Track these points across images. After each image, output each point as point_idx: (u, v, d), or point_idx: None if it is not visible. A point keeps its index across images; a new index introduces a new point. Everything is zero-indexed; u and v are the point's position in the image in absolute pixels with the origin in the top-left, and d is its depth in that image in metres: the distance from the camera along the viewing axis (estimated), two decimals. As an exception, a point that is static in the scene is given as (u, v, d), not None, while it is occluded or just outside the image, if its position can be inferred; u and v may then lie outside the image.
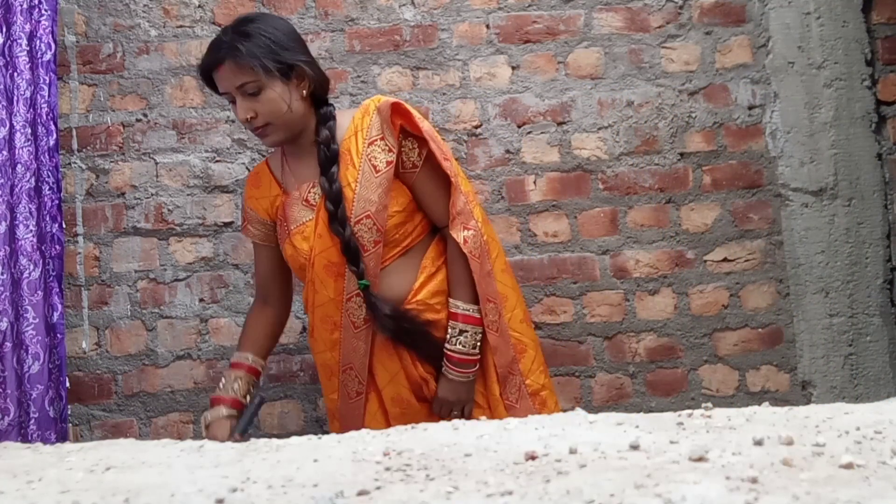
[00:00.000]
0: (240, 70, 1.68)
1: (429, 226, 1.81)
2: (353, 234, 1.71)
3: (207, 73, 1.74)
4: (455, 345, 1.75)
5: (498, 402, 1.78)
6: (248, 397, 1.84)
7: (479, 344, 1.76)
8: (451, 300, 1.77)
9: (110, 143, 2.31)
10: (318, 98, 1.80)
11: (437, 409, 1.79)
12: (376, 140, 1.73)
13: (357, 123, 1.76)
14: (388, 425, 1.71)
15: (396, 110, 1.73)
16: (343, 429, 1.81)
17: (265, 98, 1.70)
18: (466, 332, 1.75)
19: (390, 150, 1.73)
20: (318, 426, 2.25)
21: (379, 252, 1.73)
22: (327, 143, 1.75)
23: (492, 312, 1.76)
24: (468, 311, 1.75)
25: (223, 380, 1.85)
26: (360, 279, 1.73)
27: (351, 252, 1.72)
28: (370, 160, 1.73)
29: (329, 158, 1.75)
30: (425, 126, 1.74)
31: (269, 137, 1.75)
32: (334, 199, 1.72)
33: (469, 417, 1.76)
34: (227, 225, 2.30)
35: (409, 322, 1.75)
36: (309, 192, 1.79)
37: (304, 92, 1.75)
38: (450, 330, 1.75)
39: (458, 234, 1.73)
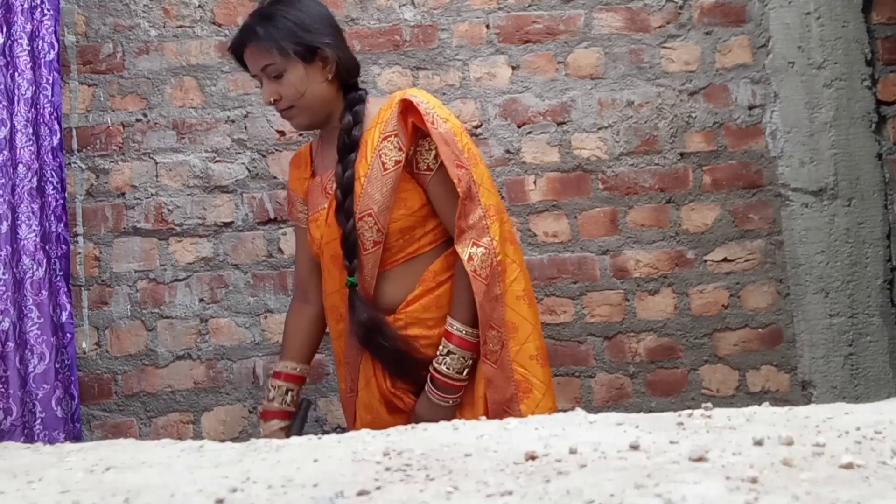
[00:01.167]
0: (260, 53, 1.68)
1: (442, 236, 1.69)
2: (354, 229, 1.64)
3: (239, 55, 1.74)
4: (440, 365, 1.63)
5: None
6: (295, 405, 1.83)
7: (467, 370, 1.64)
8: (449, 318, 1.65)
9: (110, 143, 2.31)
10: (347, 82, 1.74)
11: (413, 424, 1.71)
12: (390, 136, 1.65)
13: (381, 115, 1.69)
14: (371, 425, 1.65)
15: (407, 107, 1.64)
16: (347, 419, 1.84)
17: (287, 81, 1.67)
18: (454, 354, 1.63)
19: (400, 149, 1.64)
20: (319, 426, 2.25)
21: (378, 253, 1.65)
22: (348, 130, 1.69)
23: (492, 341, 1.61)
24: (461, 332, 1.63)
25: (269, 391, 1.83)
26: (350, 275, 1.67)
27: (348, 245, 1.66)
28: (380, 156, 1.65)
29: (347, 146, 1.69)
30: (442, 127, 1.62)
31: (294, 120, 1.74)
32: (345, 189, 1.66)
33: None
34: (227, 225, 2.30)
35: (384, 336, 1.65)
36: (330, 179, 1.74)
37: (330, 76, 1.70)
38: (442, 348, 1.64)
39: (465, 251, 1.60)
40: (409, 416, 1.68)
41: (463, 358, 1.63)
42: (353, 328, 1.67)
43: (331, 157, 1.75)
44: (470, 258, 1.59)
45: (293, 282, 1.95)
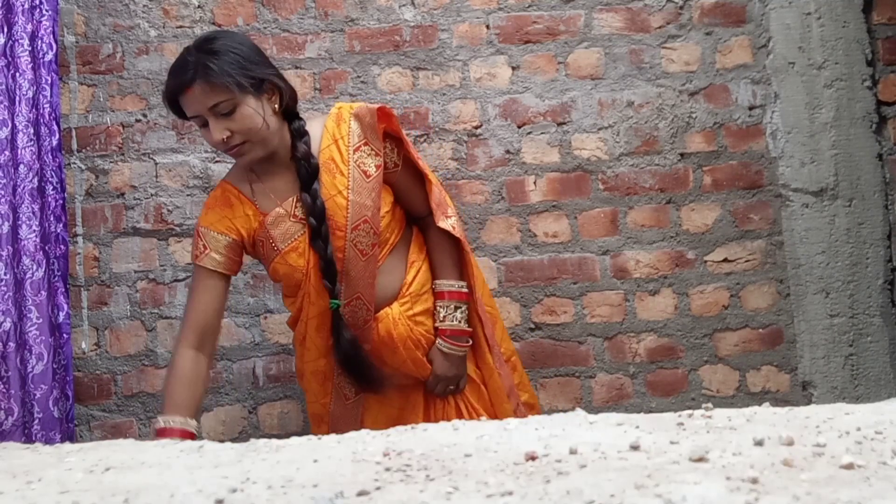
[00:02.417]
0: (212, 90, 1.63)
1: (404, 220, 1.87)
2: (333, 254, 1.73)
3: (174, 97, 1.67)
4: (452, 321, 1.82)
5: (492, 371, 1.86)
6: None
7: (467, 318, 1.85)
8: (439, 281, 1.85)
9: (110, 143, 2.31)
10: (289, 111, 1.77)
11: (432, 387, 1.84)
12: (361, 146, 1.76)
13: (333, 132, 1.76)
14: (388, 420, 1.80)
15: (382, 115, 1.77)
16: (333, 431, 1.85)
17: (240, 115, 1.65)
18: (460, 307, 1.84)
19: (377, 155, 1.76)
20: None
21: (376, 254, 1.77)
22: (307, 158, 1.73)
23: (476, 289, 1.87)
24: (461, 288, 1.84)
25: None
26: (333, 298, 1.74)
27: (331, 270, 1.73)
28: (359, 166, 1.75)
29: (311, 174, 1.73)
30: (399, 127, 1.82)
31: (246, 156, 1.70)
32: (318, 216, 1.72)
33: (462, 391, 1.86)
34: (227, 225, 2.30)
35: (362, 355, 1.78)
36: (296, 206, 1.75)
37: (276, 106, 1.71)
38: (442, 309, 1.83)
39: (445, 223, 1.81)
40: (420, 386, 1.86)
41: (461, 307, 1.84)
42: (336, 347, 1.77)
43: (283, 186, 1.76)
44: (454, 227, 1.83)
45: (183, 328, 1.74)
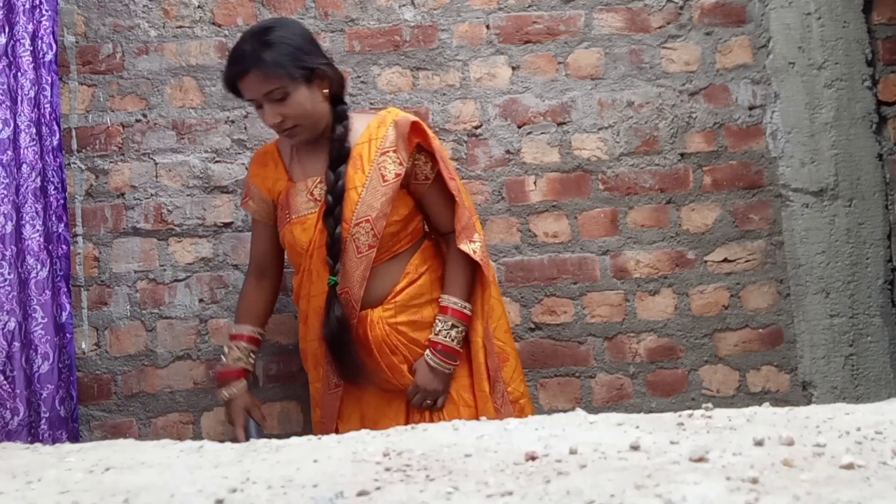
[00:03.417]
0: (266, 79, 1.76)
1: (419, 234, 1.93)
2: (342, 233, 1.81)
3: (232, 82, 1.82)
4: (445, 337, 1.86)
5: (487, 400, 1.88)
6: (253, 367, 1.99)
7: (461, 339, 1.88)
8: (445, 296, 1.88)
9: (110, 143, 2.31)
10: (336, 97, 1.89)
11: (411, 396, 1.88)
12: (389, 151, 1.84)
13: (372, 132, 1.87)
14: (361, 419, 1.89)
15: (415, 129, 1.85)
16: (323, 417, 1.94)
17: (292, 102, 1.78)
18: (458, 327, 1.86)
19: (401, 164, 1.84)
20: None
21: (371, 256, 1.83)
22: (341, 140, 1.86)
23: (486, 318, 1.91)
24: (457, 305, 1.87)
25: (232, 351, 1.97)
26: (332, 274, 1.82)
27: (335, 248, 1.82)
28: (380, 169, 1.84)
29: (341, 156, 1.85)
30: (436, 144, 1.87)
31: (296, 137, 1.84)
32: (336, 195, 1.82)
33: (440, 409, 1.88)
34: (226, 225, 2.30)
35: (349, 337, 1.83)
36: (315, 186, 1.88)
37: (325, 92, 1.84)
38: (440, 323, 1.87)
39: (467, 247, 1.85)
40: (403, 394, 1.88)
41: (459, 328, 1.87)
42: (325, 323, 1.83)
43: (313, 164, 1.90)
44: (475, 252, 1.86)
45: (250, 263, 2.07)
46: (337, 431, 1.88)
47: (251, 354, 1.98)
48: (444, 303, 1.88)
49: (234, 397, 1.95)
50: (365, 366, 1.85)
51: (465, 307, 1.88)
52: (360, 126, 1.89)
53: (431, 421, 1.85)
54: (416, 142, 1.85)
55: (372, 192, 1.82)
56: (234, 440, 1.74)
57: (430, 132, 1.88)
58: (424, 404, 1.87)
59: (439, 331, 1.86)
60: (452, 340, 1.86)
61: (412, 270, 1.88)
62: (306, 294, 1.89)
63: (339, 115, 1.88)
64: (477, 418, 1.86)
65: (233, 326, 2.04)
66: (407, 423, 1.85)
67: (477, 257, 1.86)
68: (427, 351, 1.86)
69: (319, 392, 1.94)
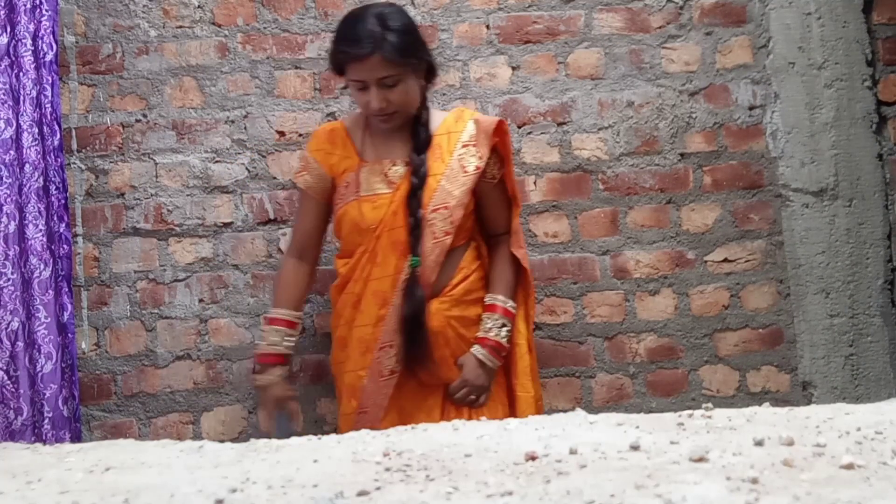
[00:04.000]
0: (386, 64, 1.78)
1: (471, 233, 1.96)
2: (424, 217, 1.84)
3: (346, 59, 1.81)
4: (496, 335, 1.90)
5: (531, 402, 1.95)
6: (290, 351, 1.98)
7: (510, 337, 1.93)
8: (493, 295, 1.93)
9: (110, 143, 2.31)
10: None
11: (455, 390, 1.88)
12: (469, 144, 1.89)
13: (450, 125, 1.92)
14: (400, 411, 1.86)
15: (500, 129, 1.92)
16: (361, 407, 1.88)
17: (401, 90, 1.82)
18: (507, 326, 1.91)
19: (480, 158, 1.88)
20: (318, 426, 2.24)
21: (446, 243, 1.86)
22: (426, 127, 1.90)
23: (530, 322, 2.00)
24: (506, 304, 1.93)
25: (270, 335, 1.96)
26: (414, 255, 1.84)
27: (417, 232, 1.84)
28: (460, 160, 1.88)
29: (426, 141, 1.89)
30: (510, 146, 1.99)
31: (391, 123, 1.87)
32: (421, 177, 1.86)
33: (482, 406, 1.89)
34: (226, 225, 2.30)
35: (422, 321, 1.83)
36: (389, 168, 1.90)
37: (423, 83, 1.90)
38: (489, 321, 1.91)
39: (518, 251, 1.96)
40: (440, 389, 1.90)
41: (508, 326, 1.92)
42: (406, 305, 1.83)
43: (388, 147, 1.91)
44: (524, 258, 1.97)
45: (290, 243, 2.06)
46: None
47: (288, 338, 1.96)
48: (492, 301, 1.93)
49: (269, 385, 1.93)
50: (432, 353, 1.86)
51: (512, 307, 1.94)
52: (437, 119, 1.94)
53: (470, 418, 1.83)
54: (496, 141, 1.90)
55: (451, 181, 1.86)
56: (235, 440, 1.74)
57: (508, 133, 1.96)
58: (468, 400, 1.88)
59: (490, 328, 1.90)
60: (503, 338, 1.90)
61: (466, 266, 1.92)
62: (363, 276, 1.88)
63: (423, 103, 1.93)
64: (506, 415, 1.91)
65: (270, 310, 2.02)
66: (441, 418, 1.85)
67: (525, 263, 1.96)
68: (476, 346, 1.89)
69: (361, 380, 1.88)
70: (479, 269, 1.96)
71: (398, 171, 1.88)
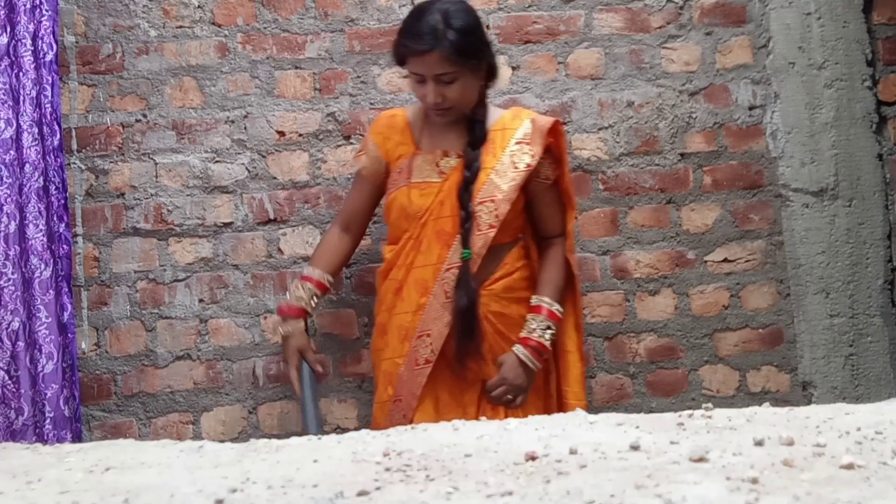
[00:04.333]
0: (445, 61, 1.80)
1: (518, 233, 1.97)
2: (473, 209, 1.85)
3: (407, 52, 1.84)
4: (540, 336, 1.89)
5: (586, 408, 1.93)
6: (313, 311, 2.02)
7: (553, 340, 1.93)
8: (540, 297, 1.93)
9: (110, 143, 2.31)
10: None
11: (492, 388, 1.88)
12: (523, 143, 1.90)
13: (506, 122, 1.94)
14: (436, 402, 1.87)
15: (555, 129, 1.94)
16: (396, 395, 1.90)
17: (458, 86, 1.84)
18: (552, 329, 1.91)
19: (533, 156, 1.89)
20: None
21: (490, 235, 1.87)
22: (483, 123, 1.92)
23: (581, 328, 2.03)
24: (558, 311, 1.93)
25: (297, 290, 2.00)
26: (465, 248, 1.85)
27: (468, 224, 1.85)
28: (512, 156, 1.90)
29: (482, 136, 1.91)
30: (565, 148, 1.99)
31: (446, 117, 1.89)
32: (473, 171, 1.88)
33: (519, 407, 1.88)
34: (226, 225, 2.30)
35: (475, 312, 1.85)
36: (441, 158, 1.93)
37: (482, 82, 1.92)
38: (534, 322, 1.90)
39: (572, 256, 1.99)
40: (476, 386, 1.90)
41: (553, 329, 1.91)
42: (458, 297, 1.84)
43: (442, 138, 1.94)
44: (575, 262, 1.99)
45: (338, 211, 2.14)
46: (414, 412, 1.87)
47: (314, 297, 1.99)
48: (538, 302, 1.92)
49: (290, 335, 1.97)
50: (479, 345, 1.86)
51: (559, 310, 1.93)
52: (494, 115, 1.95)
53: (506, 417, 1.81)
54: (551, 141, 1.92)
55: (501, 176, 1.88)
56: (235, 440, 1.74)
57: (563, 135, 1.98)
58: (504, 399, 1.88)
59: (533, 329, 1.90)
60: (546, 340, 1.90)
61: (510, 262, 1.93)
62: (406, 263, 1.91)
63: (481, 100, 1.94)
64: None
65: (305, 268, 2.06)
66: (477, 415, 1.84)
67: (576, 270, 1.97)
68: (518, 346, 1.89)
69: (398, 368, 1.90)
70: (525, 268, 1.96)
71: (450, 162, 1.91)
